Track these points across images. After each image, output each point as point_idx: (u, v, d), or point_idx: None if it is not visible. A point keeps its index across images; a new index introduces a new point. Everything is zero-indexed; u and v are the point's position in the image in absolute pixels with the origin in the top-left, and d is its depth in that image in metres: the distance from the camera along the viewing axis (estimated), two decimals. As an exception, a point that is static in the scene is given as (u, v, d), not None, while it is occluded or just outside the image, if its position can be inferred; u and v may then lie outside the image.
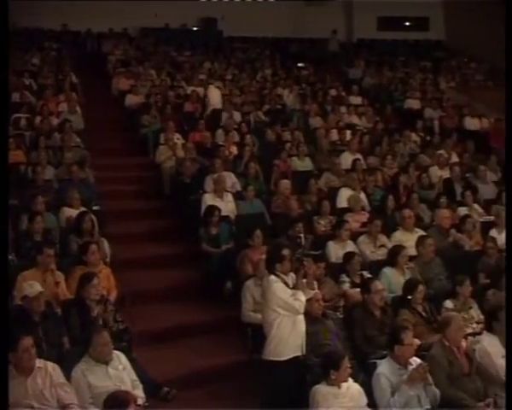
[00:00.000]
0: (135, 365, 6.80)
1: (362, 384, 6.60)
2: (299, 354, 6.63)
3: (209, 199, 10.79)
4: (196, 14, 26.76)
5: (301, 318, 6.73)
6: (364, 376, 6.84)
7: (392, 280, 8.59)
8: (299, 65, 23.31)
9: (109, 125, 16.14)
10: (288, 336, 6.59)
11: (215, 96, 16.56)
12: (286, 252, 6.71)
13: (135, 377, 6.59)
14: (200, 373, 7.98)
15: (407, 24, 30.26)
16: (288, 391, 6.45)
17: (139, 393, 6.47)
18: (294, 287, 6.69)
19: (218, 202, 10.60)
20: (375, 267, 8.95)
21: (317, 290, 7.42)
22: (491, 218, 11.10)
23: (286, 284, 6.65)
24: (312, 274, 7.64)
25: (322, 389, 6.33)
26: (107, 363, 6.37)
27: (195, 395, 7.52)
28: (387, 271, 8.71)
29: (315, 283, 7.54)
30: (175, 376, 7.74)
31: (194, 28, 27.41)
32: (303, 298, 6.65)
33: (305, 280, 7.02)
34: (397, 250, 8.94)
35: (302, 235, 9.07)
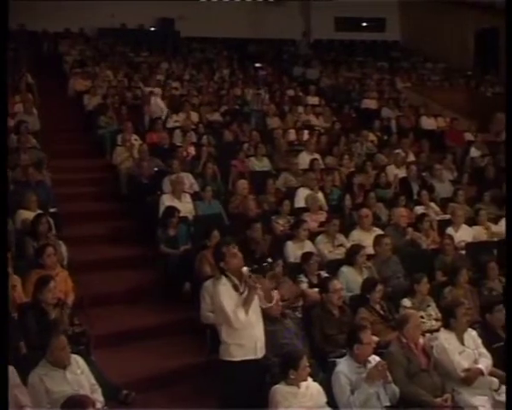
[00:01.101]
0: (93, 368, 6.74)
1: (321, 383, 6.60)
2: (252, 356, 6.40)
3: (167, 200, 10.74)
4: (153, 14, 26.65)
5: (256, 320, 6.52)
6: (324, 375, 6.86)
7: (350, 279, 8.63)
8: (257, 65, 23.34)
9: (66, 127, 15.98)
10: (240, 338, 6.39)
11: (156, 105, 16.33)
12: (226, 249, 6.47)
13: (93, 380, 6.53)
14: (160, 375, 7.93)
15: (364, 25, 30.48)
16: (245, 391, 6.37)
17: (98, 397, 6.41)
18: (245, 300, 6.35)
19: (176, 203, 10.56)
20: (333, 267, 8.98)
21: (275, 292, 7.40)
22: (448, 216, 11.22)
23: (235, 286, 6.37)
24: (267, 288, 7.07)
25: (281, 389, 6.33)
26: (64, 367, 6.28)
27: (155, 397, 7.48)
28: (345, 270, 8.75)
29: (273, 292, 7.37)
30: (134, 378, 7.69)
31: (152, 28, 27.30)
32: (242, 316, 6.29)
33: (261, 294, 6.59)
34: (355, 249, 8.97)
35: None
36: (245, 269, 6.38)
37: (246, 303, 6.27)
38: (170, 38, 26.37)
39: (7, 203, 7.05)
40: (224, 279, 6.37)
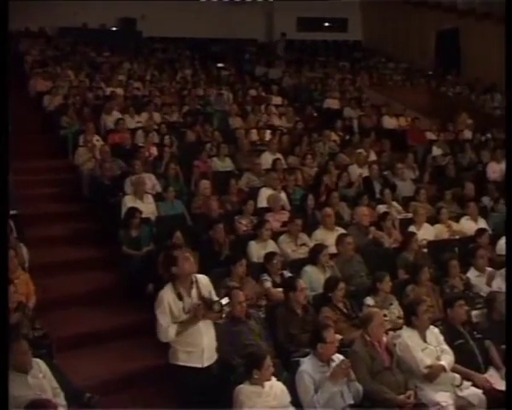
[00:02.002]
0: (55, 371, 6.66)
1: (285, 383, 6.62)
2: (198, 365, 6.39)
3: (129, 201, 10.67)
4: (115, 14, 26.50)
5: (205, 329, 6.48)
6: (287, 374, 6.87)
7: (313, 278, 8.64)
8: (219, 65, 23.32)
9: (27, 127, 15.76)
10: (186, 346, 6.39)
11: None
12: (178, 253, 6.44)
13: (55, 384, 6.45)
14: (123, 377, 7.89)
15: (326, 25, 30.61)
16: (202, 393, 6.38)
17: (60, 400, 6.34)
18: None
19: (138, 204, 10.49)
20: (296, 266, 8.98)
21: (239, 292, 7.40)
22: (410, 215, 11.30)
23: (179, 295, 6.34)
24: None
25: (245, 389, 6.32)
26: (26, 372, 6.20)
27: (119, 399, 7.40)
28: (308, 269, 8.76)
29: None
30: (98, 381, 7.63)
31: (114, 28, 27.13)
32: (172, 332, 6.29)
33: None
34: (318, 249, 8.98)
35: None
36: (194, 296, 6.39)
37: (186, 323, 6.33)
38: (132, 38, 26.26)
39: (7, 203, 6.96)
40: (169, 286, 6.38)
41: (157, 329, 6.38)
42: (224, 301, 6.61)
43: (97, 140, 13.47)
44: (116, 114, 15.18)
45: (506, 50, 9.28)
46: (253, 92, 19.61)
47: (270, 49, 28.11)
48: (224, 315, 6.55)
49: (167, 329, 6.29)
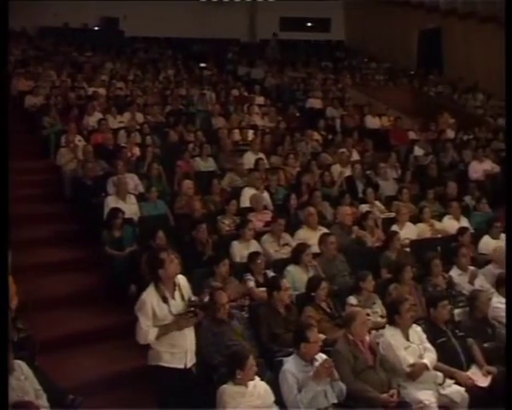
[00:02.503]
0: (38, 373, 6.61)
1: (269, 382, 6.61)
2: (181, 366, 6.40)
3: (112, 201, 10.63)
4: (97, 13, 26.40)
5: (188, 331, 6.47)
6: (271, 374, 6.86)
7: (296, 278, 8.64)
8: (202, 65, 23.30)
9: (9, 128, 15.67)
10: (171, 347, 6.38)
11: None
12: (164, 255, 6.39)
13: (38, 386, 6.39)
14: (108, 379, 7.86)
15: (309, 25, 30.64)
16: (185, 393, 6.37)
17: (43, 402, 6.28)
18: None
19: (120, 205, 10.45)
20: (279, 266, 8.98)
21: (222, 293, 7.39)
22: (393, 214, 11.33)
23: (164, 298, 6.33)
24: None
25: (228, 389, 6.32)
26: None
27: (103, 401, 7.36)
28: (291, 269, 8.76)
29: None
30: (81, 382, 7.57)
31: (96, 28, 27.04)
32: (152, 335, 6.30)
33: None
34: (301, 248, 8.98)
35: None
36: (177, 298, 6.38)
37: (170, 327, 6.31)
38: (114, 38, 26.18)
39: (7, 203, 6.92)
40: (152, 289, 6.36)
41: (136, 331, 6.37)
42: (206, 299, 6.63)
43: (79, 140, 13.42)
44: (98, 115, 15.13)
45: (506, 54, 9.31)
46: (235, 92, 19.63)
47: (252, 49, 28.11)
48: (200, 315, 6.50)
49: (147, 331, 6.28)
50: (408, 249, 10.12)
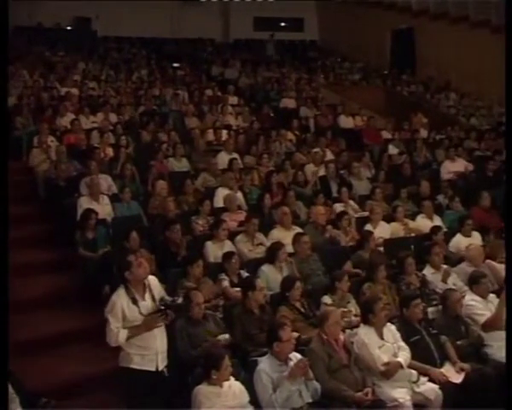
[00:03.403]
0: (10, 377, 6.56)
1: (243, 382, 6.61)
2: (152, 368, 6.36)
3: (85, 202, 10.57)
4: (70, 13, 26.24)
5: (159, 333, 6.46)
6: (246, 374, 6.86)
7: (270, 278, 8.65)
8: (175, 65, 23.24)
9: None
10: (142, 349, 6.35)
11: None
12: (132, 258, 6.38)
13: (10, 389, 6.35)
14: (82, 381, 7.81)
15: (282, 25, 30.68)
16: (158, 395, 6.34)
17: (15, 406, 6.25)
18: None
19: (94, 206, 10.40)
20: (253, 266, 8.99)
21: (198, 293, 7.38)
22: (366, 213, 11.37)
23: (133, 299, 6.30)
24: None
25: (204, 390, 6.31)
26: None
27: (77, 403, 7.34)
28: (265, 268, 8.76)
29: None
30: (55, 385, 7.55)
31: (68, 28, 26.86)
32: (122, 337, 6.27)
33: None
34: (276, 248, 8.99)
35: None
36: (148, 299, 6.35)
37: (139, 329, 6.28)
38: (87, 38, 26.04)
39: (7, 202, 6.85)
40: (122, 290, 6.33)
41: (107, 333, 6.32)
42: (179, 300, 6.61)
43: (52, 141, 13.33)
44: (70, 115, 15.04)
45: (506, 59, 9.39)
46: (209, 92, 19.61)
47: (226, 49, 28.10)
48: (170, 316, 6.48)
49: (117, 333, 6.25)
50: (381, 248, 10.15)
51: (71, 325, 8.83)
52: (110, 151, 13.24)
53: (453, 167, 14.40)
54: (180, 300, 6.64)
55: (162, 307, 6.27)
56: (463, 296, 8.32)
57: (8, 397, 5.44)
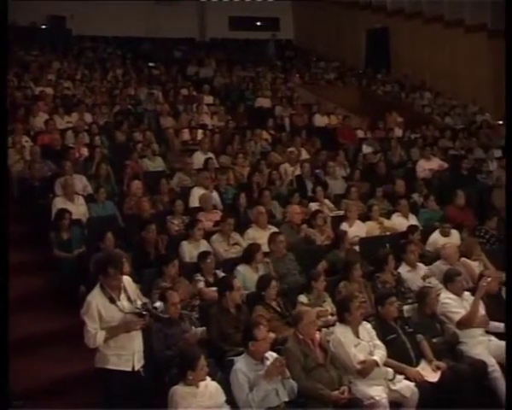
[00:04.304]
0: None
1: (220, 382, 6.58)
2: (129, 369, 6.33)
3: (59, 203, 10.51)
4: (45, 12, 26.05)
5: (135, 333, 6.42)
6: (222, 373, 6.84)
7: (247, 277, 8.64)
8: (150, 65, 23.18)
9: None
10: (118, 349, 6.31)
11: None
12: (111, 271, 6.23)
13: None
14: (58, 382, 7.75)
15: (258, 24, 30.71)
16: (134, 396, 6.31)
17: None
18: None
19: (68, 206, 10.33)
20: (229, 265, 8.98)
21: (174, 293, 7.36)
22: (342, 212, 11.40)
23: (111, 299, 6.25)
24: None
25: (180, 390, 6.28)
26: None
27: (53, 404, 7.27)
28: (241, 268, 8.76)
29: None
30: (32, 387, 7.49)
31: (43, 26, 26.66)
32: (100, 338, 6.23)
33: None
34: (253, 249, 8.99)
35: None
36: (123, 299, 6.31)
37: (117, 330, 6.25)
38: (61, 37, 25.85)
39: (7, 203, 6.79)
40: (97, 291, 6.28)
41: (84, 334, 6.26)
42: (158, 304, 6.59)
43: (26, 141, 13.25)
44: (43, 116, 14.94)
45: (506, 63, 9.46)
46: (184, 92, 19.56)
47: (202, 48, 28.05)
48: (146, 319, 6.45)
49: (95, 335, 6.19)
50: (357, 247, 10.18)
51: (48, 326, 8.76)
52: (85, 151, 13.18)
53: (428, 166, 14.49)
54: (159, 305, 6.62)
55: (144, 313, 6.25)
56: (438, 295, 8.37)
57: (8, 397, 5.39)
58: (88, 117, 15.67)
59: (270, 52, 27.89)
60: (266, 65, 25.07)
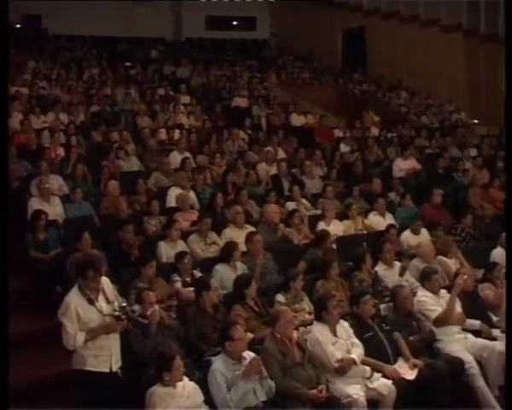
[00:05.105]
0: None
1: (198, 382, 6.57)
2: (106, 370, 6.34)
3: (35, 203, 10.43)
4: (20, 11, 25.88)
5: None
6: (200, 373, 6.83)
7: (225, 277, 8.62)
8: (127, 64, 23.11)
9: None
10: (95, 350, 6.29)
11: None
12: (91, 273, 6.21)
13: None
14: (37, 384, 7.71)
15: (235, 23, 30.73)
16: (112, 397, 6.28)
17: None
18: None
19: (44, 207, 10.26)
20: (206, 265, 8.95)
21: (150, 294, 7.33)
22: (318, 211, 11.42)
23: (90, 300, 6.23)
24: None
25: (157, 391, 6.27)
26: None
27: (30, 406, 7.24)
28: (220, 268, 8.75)
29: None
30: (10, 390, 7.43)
31: (18, 25, 26.48)
32: (80, 340, 6.20)
33: None
34: (231, 247, 8.98)
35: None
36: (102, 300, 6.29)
37: (97, 332, 6.23)
38: (37, 36, 25.70)
39: (7, 202, 6.72)
40: (75, 292, 6.26)
41: (63, 336, 6.23)
42: (136, 307, 6.58)
43: (1, 141, 13.12)
44: (18, 115, 14.83)
45: (506, 68, 9.51)
46: (161, 91, 19.52)
47: (178, 48, 28.02)
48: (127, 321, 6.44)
49: (75, 336, 6.16)
50: (334, 246, 10.20)
51: (25, 327, 8.69)
52: (61, 151, 13.10)
53: (405, 165, 14.55)
54: (138, 308, 6.60)
55: (123, 317, 6.23)
56: (415, 293, 8.41)
57: (8, 397, 5.35)
58: (64, 117, 15.57)
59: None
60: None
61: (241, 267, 8.90)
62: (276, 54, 28.99)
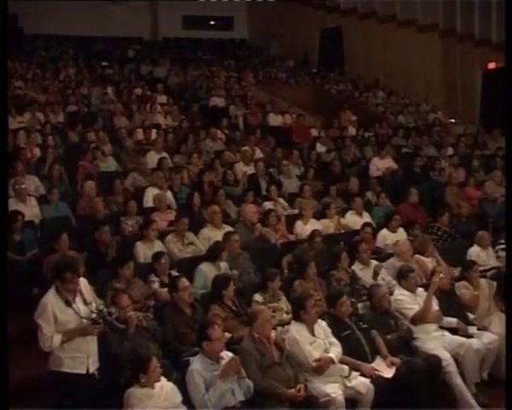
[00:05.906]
0: None
1: (176, 382, 6.55)
2: (83, 371, 6.30)
3: (11, 204, 10.32)
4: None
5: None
6: (178, 374, 6.81)
7: (209, 276, 8.58)
8: (104, 64, 23.01)
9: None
10: (72, 351, 6.25)
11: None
12: (69, 275, 6.14)
13: None
14: (16, 388, 7.64)
15: (212, 23, 30.70)
16: (89, 399, 6.25)
17: None
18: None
19: (20, 207, 10.17)
20: (184, 265, 8.94)
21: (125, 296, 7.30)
22: (296, 211, 11.43)
23: (67, 302, 6.17)
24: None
25: (135, 392, 6.24)
26: None
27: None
28: (203, 267, 8.74)
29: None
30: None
31: (-8, 25, 26.26)
32: (57, 341, 6.14)
33: None
34: (219, 246, 8.99)
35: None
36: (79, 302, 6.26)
37: (74, 333, 6.20)
38: (13, 35, 25.48)
39: (7, 203, 6.65)
40: (52, 293, 6.21)
41: (39, 338, 6.18)
42: (114, 310, 6.55)
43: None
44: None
45: (507, 71, 9.58)
46: (138, 91, 19.45)
47: (155, 48, 27.95)
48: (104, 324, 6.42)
49: (51, 338, 6.11)
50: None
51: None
52: (37, 151, 13.02)
53: (382, 164, 14.61)
54: (114, 311, 6.58)
55: (100, 321, 6.20)
56: (392, 291, 8.45)
57: (8, 397, 5.31)
58: (40, 117, 15.47)
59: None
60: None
61: (225, 268, 8.90)
62: (251, 54, 29.00)
